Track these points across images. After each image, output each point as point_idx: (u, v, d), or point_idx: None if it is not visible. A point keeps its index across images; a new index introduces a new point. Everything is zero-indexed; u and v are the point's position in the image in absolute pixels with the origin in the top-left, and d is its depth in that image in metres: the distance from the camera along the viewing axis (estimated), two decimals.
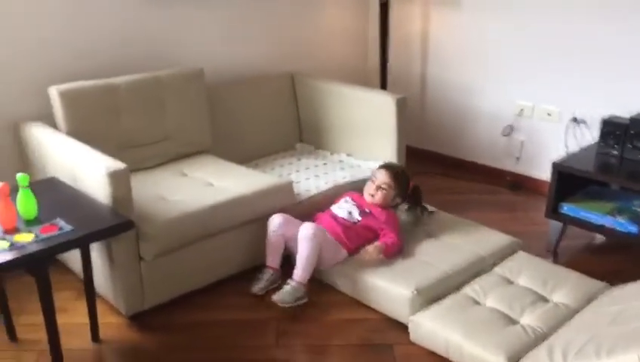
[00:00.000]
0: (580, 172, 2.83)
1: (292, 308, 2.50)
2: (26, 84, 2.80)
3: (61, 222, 1.98)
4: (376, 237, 2.67)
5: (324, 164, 3.34)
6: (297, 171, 3.22)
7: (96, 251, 2.37)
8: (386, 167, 2.85)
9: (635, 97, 3.11)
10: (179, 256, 2.48)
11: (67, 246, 1.93)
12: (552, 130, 3.55)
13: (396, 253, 2.62)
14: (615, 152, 2.91)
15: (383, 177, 2.77)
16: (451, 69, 3.93)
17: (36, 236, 1.90)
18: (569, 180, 2.89)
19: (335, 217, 2.72)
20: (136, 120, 2.88)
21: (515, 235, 2.87)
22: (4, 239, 1.87)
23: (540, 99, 3.57)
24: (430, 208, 2.99)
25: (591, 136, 3.35)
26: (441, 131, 4.08)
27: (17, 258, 1.81)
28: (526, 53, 3.55)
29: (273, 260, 2.65)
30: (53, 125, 2.72)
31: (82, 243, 2.07)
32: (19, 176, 1.99)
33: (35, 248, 1.85)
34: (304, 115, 3.62)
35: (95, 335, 2.36)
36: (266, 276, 2.62)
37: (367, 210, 2.74)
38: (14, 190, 2.02)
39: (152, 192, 2.63)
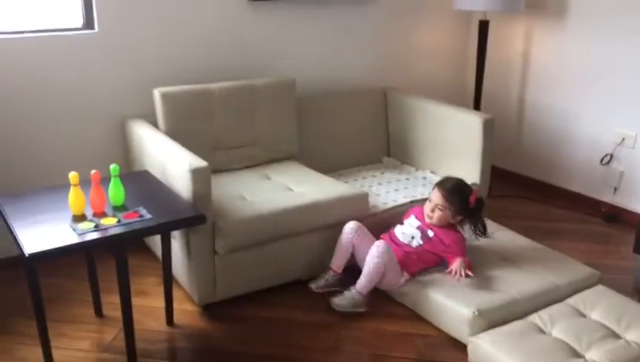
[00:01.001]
0: None
1: (354, 316, 2.55)
2: (135, 85, 3.07)
3: (143, 210, 2.16)
4: (440, 259, 2.66)
5: (407, 179, 3.37)
6: (379, 184, 3.27)
7: (177, 242, 2.56)
8: (440, 184, 2.72)
9: None
10: (251, 254, 2.61)
11: (144, 232, 2.11)
12: None
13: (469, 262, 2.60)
14: None
15: (436, 197, 2.68)
16: (551, 91, 3.81)
17: (119, 220, 2.09)
18: None
19: (397, 242, 2.71)
20: (228, 124, 3.06)
21: (600, 269, 2.75)
22: (91, 221, 2.08)
23: None
24: (490, 229, 2.82)
25: None
26: (536, 155, 3.97)
27: (99, 238, 2.00)
28: (631, 79, 3.38)
29: (338, 263, 2.71)
30: (155, 124, 2.97)
31: (157, 231, 2.25)
32: (112, 166, 2.20)
33: (115, 231, 2.03)
34: (393, 129, 3.67)
35: (170, 320, 2.53)
36: (327, 276, 2.70)
37: (429, 234, 2.68)
38: (108, 178, 2.23)
39: (235, 192, 2.78)
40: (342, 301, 2.56)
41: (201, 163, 2.43)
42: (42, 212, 2.17)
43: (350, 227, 2.70)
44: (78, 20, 2.93)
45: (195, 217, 2.19)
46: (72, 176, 2.10)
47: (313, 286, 2.69)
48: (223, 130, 3.05)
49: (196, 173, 2.39)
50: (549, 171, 3.91)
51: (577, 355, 2.16)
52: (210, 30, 3.22)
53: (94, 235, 2.01)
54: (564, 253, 2.85)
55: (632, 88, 3.39)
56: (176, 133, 2.88)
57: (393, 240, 2.72)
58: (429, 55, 4.06)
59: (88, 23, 2.93)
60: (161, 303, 2.59)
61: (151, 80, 3.07)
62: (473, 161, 3.19)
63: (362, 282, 2.57)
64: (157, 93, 2.92)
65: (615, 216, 3.58)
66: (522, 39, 3.93)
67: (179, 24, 3.12)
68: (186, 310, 2.63)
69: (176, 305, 2.58)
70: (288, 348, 2.42)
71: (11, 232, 2.06)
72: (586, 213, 3.66)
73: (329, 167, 3.38)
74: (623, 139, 3.49)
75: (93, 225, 2.05)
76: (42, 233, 2.01)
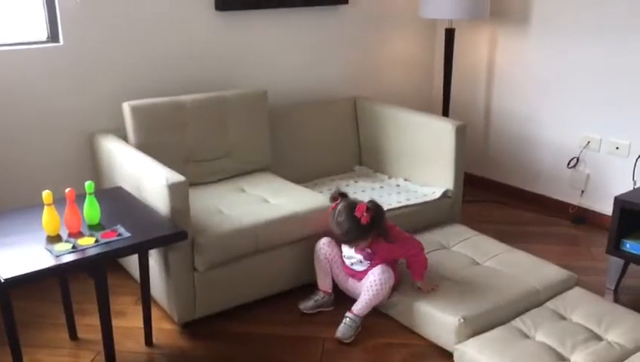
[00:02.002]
0: None
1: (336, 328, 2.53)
2: (102, 98, 2.99)
3: (121, 229, 2.09)
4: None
5: (381, 187, 3.37)
6: (354, 193, 3.25)
7: (154, 259, 2.48)
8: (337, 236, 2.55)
9: None
10: (231, 269, 2.55)
11: (124, 251, 2.04)
12: (620, 165, 3.44)
13: (424, 261, 2.58)
14: None
15: (344, 248, 2.62)
16: (516, 97, 3.88)
17: (97, 240, 2.02)
18: (633, 216, 2.79)
19: (353, 274, 2.64)
20: (200, 136, 3.00)
21: (574, 270, 2.80)
22: (68, 241, 2.00)
23: (608, 132, 3.47)
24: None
25: None
26: (504, 161, 4.03)
27: (78, 259, 1.92)
28: (595, 84, 3.47)
29: (324, 284, 2.68)
30: (125, 138, 2.89)
31: (137, 250, 2.18)
32: (86, 183, 2.13)
33: (94, 251, 1.96)
34: (364, 138, 3.67)
35: (148, 340, 2.46)
36: (317, 297, 2.66)
37: (370, 252, 2.57)
38: (82, 196, 2.15)
39: (211, 206, 2.73)
40: (345, 331, 2.48)
41: (178, 177, 2.36)
42: (13, 233, 2.08)
43: (323, 243, 2.66)
44: (43, 33, 2.83)
45: (176, 234, 2.13)
46: (46, 194, 2.02)
47: (302, 307, 2.65)
48: (195, 143, 2.99)
49: (173, 188, 2.33)
50: (517, 176, 3.97)
51: (562, 358, 2.18)
52: (178, 41, 3.16)
53: (72, 257, 1.93)
54: (536, 255, 2.88)
55: (595, 92, 3.48)
56: (147, 146, 2.81)
57: (351, 274, 2.65)
58: (396, 64, 4.08)
59: (53, 36, 2.83)
60: (138, 323, 2.51)
61: (119, 93, 2.99)
62: (446, 168, 3.21)
63: (362, 308, 2.52)
64: (126, 107, 2.84)
65: (582, 217, 3.66)
66: (487, 46, 3.99)
67: (146, 36, 3.06)
68: (164, 329, 2.56)
69: (154, 325, 2.50)
70: None
71: None
72: (554, 215, 3.73)
73: (302, 177, 3.36)
74: (589, 142, 3.57)
75: (70, 246, 1.97)
76: (16, 256, 1.93)
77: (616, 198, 2.78)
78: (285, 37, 3.52)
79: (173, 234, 2.13)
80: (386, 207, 3.03)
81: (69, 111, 2.92)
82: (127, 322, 2.61)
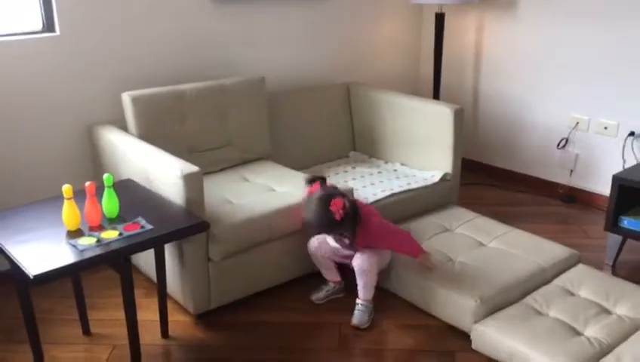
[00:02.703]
0: None
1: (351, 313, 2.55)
2: (99, 89, 2.93)
3: (142, 221, 2.06)
4: None
5: (379, 172, 3.39)
6: (354, 179, 3.27)
7: (167, 252, 2.46)
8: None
9: None
10: (244, 258, 2.55)
11: (149, 243, 2.01)
12: (608, 144, 3.54)
13: (413, 250, 2.58)
14: None
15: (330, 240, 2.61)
16: (505, 80, 3.95)
17: (120, 233, 1.98)
18: (627, 194, 2.89)
19: (346, 256, 2.62)
20: (201, 125, 2.97)
21: (572, 248, 2.87)
22: (91, 236, 1.96)
23: (596, 113, 3.57)
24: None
25: None
26: (494, 143, 4.10)
27: (104, 253, 1.89)
28: (582, 65, 3.55)
29: (330, 274, 2.70)
30: (124, 129, 2.84)
31: (163, 242, 2.16)
32: (105, 176, 2.08)
33: (120, 245, 1.93)
34: (358, 123, 3.68)
35: (165, 332, 2.44)
36: (327, 288, 2.69)
37: (346, 241, 2.53)
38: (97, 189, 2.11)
39: (218, 196, 2.71)
40: (361, 318, 2.51)
41: (192, 168, 2.34)
42: (31, 229, 2.03)
43: (314, 246, 2.64)
44: (38, 23, 2.75)
45: (198, 224, 2.11)
46: (66, 188, 1.98)
47: (314, 298, 2.66)
48: (196, 133, 2.96)
49: (188, 179, 2.30)
50: (508, 158, 4.05)
51: (578, 333, 2.25)
52: (175, 30, 3.11)
53: (98, 251, 1.89)
54: (536, 235, 2.96)
55: (582, 74, 3.56)
56: (148, 137, 2.77)
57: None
58: (385, 49, 4.10)
59: (49, 26, 2.75)
60: (151, 316, 2.50)
61: (116, 84, 2.94)
62: (444, 151, 3.26)
63: (364, 293, 2.54)
64: (127, 97, 2.79)
65: (572, 197, 3.76)
66: (475, 30, 4.04)
67: (143, 25, 3.00)
68: (179, 321, 2.54)
69: (160, 319, 2.47)
70: (291, 351, 2.38)
71: (2, 252, 1.91)
72: (545, 195, 3.82)
73: (301, 164, 3.36)
74: (577, 123, 3.66)
75: (94, 240, 1.94)
76: (40, 252, 1.88)
77: (614, 176, 2.87)
78: (279, 25, 3.50)
79: (195, 224, 2.10)
80: (388, 192, 3.09)
81: (65, 102, 2.85)
82: (140, 315, 2.51)
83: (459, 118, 3.20)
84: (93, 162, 2.95)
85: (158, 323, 2.44)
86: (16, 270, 1.85)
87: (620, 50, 3.37)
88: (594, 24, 3.45)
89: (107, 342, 2.41)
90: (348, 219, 2.39)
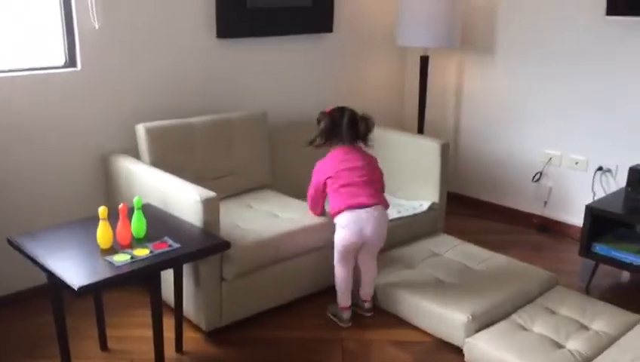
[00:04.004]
0: (613, 214, 3.11)
1: (355, 330, 2.76)
2: (114, 121, 3.12)
3: (170, 240, 2.25)
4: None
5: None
6: None
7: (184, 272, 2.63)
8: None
9: None
10: (254, 277, 2.74)
11: (178, 261, 2.20)
12: (578, 178, 3.85)
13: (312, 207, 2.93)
14: None
15: None
16: (484, 118, 4.26)
17: (151, 251, 2.17)
18: (599, 223, 3.18)
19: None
20: (207, 156, 3.17)
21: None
22: (125, 253, 2.14)
23: (567, 149, 3.88)
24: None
25: (615, 183, 3.65)
26: (473, 177, 4.38)
27: (138, 269, 2.07)
28: (554, 105, 3.88)
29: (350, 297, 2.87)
30: (137, 158, 3.03)
31: (190, 259, 2.34)
32: (135, 199, 2.27)
33: (152, 261, 2.11)
34: None
35: (179, 347, 2.59)
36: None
37: None
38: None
39: (227, 221, 2.89)
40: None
41: (209, 193, 2.54)
42: (67, 248, 2.20)
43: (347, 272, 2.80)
44: (60, 58, 2.94)
45: (221, 244, 2.31)
46: (102, 210, 2.16)
47: (343, 325, 2.82)
48: (203, 163, 3.16)
49: (206, 203, 2.50)
50: (486, 190, 4.34)
51: (560, 346, 2.49)
52: (184, 66, 3.33)
53: (133, 266, 2.07)
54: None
55: (554, 113, 3.89)
56: (160, 165, 2.96)
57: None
58: (374, 87, 4.39)
59: (71, 61, 2.95)
60: (165, 333, 2.64)
61: (129, 116, 3.14)
62: (431, 182, 3.51)
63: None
64: (141, 128, 2.99)
65: (546, 226, 4.04)
66: (456, 72, 4.37)
67: (156, 61, 3.22)
68: (191, 337, 2.70)
69: (175, 333, 2.63)
70: None
71: (42, 267, 2.07)
72: (521, 225, 4.11)
73: (299, 193, 3.55)
74: (550, 158, 3.97)
75: (128, 256, 2.12)
76: (80, 267, 2.05)
77: (587, 206, 3.16)
78: (279, 62, 3.76)
79: (218, 244, 2.30)
80: None
81: (82, 133, 3.03)
82: (151, 332, 2.72)
83: (445, 152, 3.47)
84: (105, 188, 3.12)
85: (171, 339, 2.59)
86: (55, 285, 2.01)
87: (588, 92, 3.71)
88: (561, 69, 3.79)
89: (124, 357, 2.56)
90: (331, 122, 2.81)
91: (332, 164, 2.77)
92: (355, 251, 2.76)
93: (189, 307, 2.70)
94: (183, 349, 2.62)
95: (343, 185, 2.70)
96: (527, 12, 3.92)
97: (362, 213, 2.65)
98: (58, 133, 2.96)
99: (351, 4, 4.05)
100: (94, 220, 2.26)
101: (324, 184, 2.78)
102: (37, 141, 2.90)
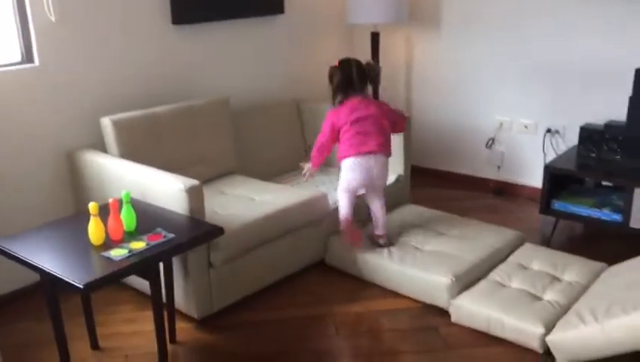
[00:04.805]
0: (569, 172, 3.30)
1: (345, 304, 2.83)
2: (76, 116, 3.04)
3: (163, 231, 2.24)
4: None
5: (337, 179, 3.67)
6: (316, 187, 3.53)
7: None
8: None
9: (593, 107, 3.66)
10: (242, 261, 2.76)
11: (176, 250, 2.19)
12: (529, 141, 4.05)
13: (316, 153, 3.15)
14: (593, 155, 3.41)
15: None
16: (434, 91, 4.39)
17: (147, 243, 2.15)
18: (556, 181, 3.37)
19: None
20: (175, 145, 3.14)
21: None
22: (121, 247, 2.11)
23: (517, 114, 4.07)
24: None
25: (564, 143, 3.87)
26: (428, 148, 4.52)
27: (139, 261, 2.05)
28: (500, 73, 4.05)
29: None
30: (102, 151, 2.96)
31: (187, 248, 2.33)
32: (123, 193, 2.24)
33: (150, 253, 2.09)
34: (309, 136, 3.96)
35: (172, 338, 2.59)
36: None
37: None
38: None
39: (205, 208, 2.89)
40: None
41: (193, 181, 2.54)
42: (57, 247, 2.16)
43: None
44: (16, 54, 2.83)
45: (214, 230, 2.31)
46: (92, 206, 2.12)
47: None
48: (171, 152, 3.13)
49: (191, 191, 2.50)
50: (442, 160, 4.49)
51: (539, 298, 2.65)
52: (142, 55, 3.27)
53: (133, 260, 2.05)
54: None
55: (501, 81, 4.06)
56: (129, 158, 2.92)
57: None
58: (325, 66, 4.41)
59: (28, 57, 2.84)
60: (150, 326, 2.62)
61: (92, 110, 3.07)
62: (396, 157, 3.59)
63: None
64: (107, 121, 2.92)
65: (501, 190, 4.24)
66: (405, 46, 4.47)
67: (115, 53, 3.14)
68: (182, 327, 2.69)
69: (168, 324, 2.62)
70: (292, 342, 2.61)
71: (37, 268, 2.02)
72: (478, 190, 4.28)
73: (264, 176, 3.58)
74: (501, 124, 4.15)
75: (126, 250, 2.09)
76: (77, 265, 2.02)
77: (546, 166, 3.35)
78: (234, 46, 3.74)
79: (212, 230, 2.30)
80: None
81: (44, 131, 2.94)
82: (140, 326, 2.71)
83: (408, 125, 3.56)
84: (73, 185, 3.04)
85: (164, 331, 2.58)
86: (51, 285, 1.96)
87: (532, 59, 3.89)
88: (505, 38, 3.97)
89: (118, 353, 2.53)
90: (344, 74, 3.05)
91: (345, 113, 2.99)
92: (357, 189, 3.08)
93: (178, 297, 2.69)
94: (177, 339, 2.61)
95: (354, 134, 2.95)
96: None
97: (368, 159, 2.96)
98: (18, 132, 2.85)
99: None
100: (74, 218, 2.23)
101: (338, 132, 3.00)
102: None
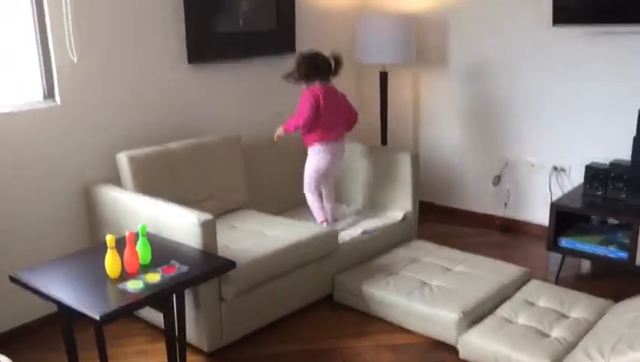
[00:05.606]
0: (576, 210, 3.35)
1: (353, 339, 2.86)
2: (94, 152, 3.13)
3: (177, 264, 2.29)
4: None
5: (346, 217, 3.74)
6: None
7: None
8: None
9: (601, 145, 3.72)
10: (252, 295, 2.81)
11: (190, 282, 2.25)
12: (535, 179, 4.11)
13: (292, 120, 3.42)
14: (599, 193, 3.46)
15: None
16: (441, 129, 4.48)
17: (162, 276, 2.21)
18: (563, 219, 3.41)
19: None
20: (188, 180, 3.22)
21: None
22: (137, 280, 2.17)
23: (523, 153, 4.14)
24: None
25: (569, 181, 3.92)
26: (435, 185, 4.58)
27: (153, 294, 2.11)
28: (507, 112, 4.13)
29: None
30: (117, 186, 3.04)
31: (201, 280, 2.39)
32: (140, 226, 2.31)
33: (166, 285, 2.15)
34: None
35: None
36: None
37: None
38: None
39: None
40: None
41: (206, 216, 2.60)
42: (74, 279, 2.21)
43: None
44: (38, 92, 2.93)
45: (227, 264, 2.37)
46: (110, 239, 2.18)
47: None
48: (184, 187, 3.20)
49: (205, 226, 2.56)
50: (449, 196, 4.54)
51: (546, 335, 2.67)
52: (158, 93, 3.37)
53: (148, 292, 2.11)
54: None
55: (507, 119, 4.14)
56: (144, 192, 2.99)
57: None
58: None
59: (49, 95, 2.94)
60: (162, 358, 2.66)
61: (109, 145, 3.16)
62: (405, 193, 3.67)
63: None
64: (124, 157, 3.01)
65: (507, 227, 4.28)
66: (412, 86, 4.57)
67: (129, 90, 3.24)
68: (191, 360, 2.72)
69: (179, 356, 2.65)
70: None
71: (55, 300, 2.08)
72: (484, 227, 4.32)
73: (273, 210, 3.64)
74: (507, 162, 4.22)
75: (141, 283, 2.15)
76: (94, 297, 2.07)
77: (552, 204, 3.40)
78: (247, 83, 3.86)
79: (225, 264, 2.36)
80: (360, 230, 3.45)
81: (63, 165, 3.02)
82: (152, 358, 2.75)
83: (416, 162, 3.64)
84: (88, 220, 3.11)
85: None
86: (66, 317, 2.01)
87: (539, 98, 3.98)
88: (508, 79, 4.06)
89: None
90: (310, 61, 3.33)
91: (320, 97, 3.32)
92: (323, 177, 3.48)
93: (189, 329, 2.72)
94: None
95: (324, 122, 3.33)
96: (474, 27, 4.16)
97: (333, 145, 3.43)
98: (39, 167, 2.94)
99: (311, 25, 4.19)
100: (90, 251, 2.28)
101: (317, 112, 3.31)
102: (18, 177, 2.87)
